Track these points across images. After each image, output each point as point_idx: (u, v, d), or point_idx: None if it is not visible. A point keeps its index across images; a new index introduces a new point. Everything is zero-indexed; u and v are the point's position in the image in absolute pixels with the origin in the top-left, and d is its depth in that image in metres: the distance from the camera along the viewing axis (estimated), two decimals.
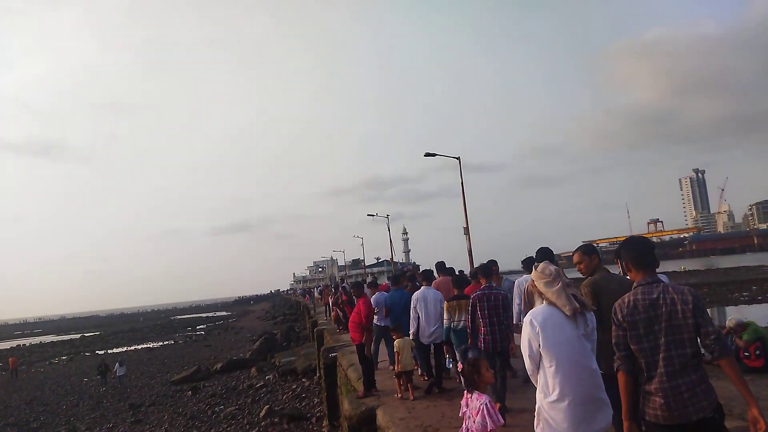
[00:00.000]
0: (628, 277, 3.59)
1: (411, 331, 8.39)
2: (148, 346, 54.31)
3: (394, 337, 8.49)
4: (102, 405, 25.13)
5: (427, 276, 9.11)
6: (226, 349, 42.43)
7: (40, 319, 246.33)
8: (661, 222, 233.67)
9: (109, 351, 53.37)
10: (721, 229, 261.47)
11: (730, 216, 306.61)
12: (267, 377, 24.98)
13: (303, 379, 22.44)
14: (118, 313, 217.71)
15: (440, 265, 10.12)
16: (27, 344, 75.18)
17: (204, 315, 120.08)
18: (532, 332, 3.51)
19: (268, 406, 18.48)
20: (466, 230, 23.68)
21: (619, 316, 3.22)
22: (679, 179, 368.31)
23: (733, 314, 18.91)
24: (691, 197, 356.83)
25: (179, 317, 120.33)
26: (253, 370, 27.24)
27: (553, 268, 3.67)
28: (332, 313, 21.09)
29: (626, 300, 3.22)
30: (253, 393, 22.26)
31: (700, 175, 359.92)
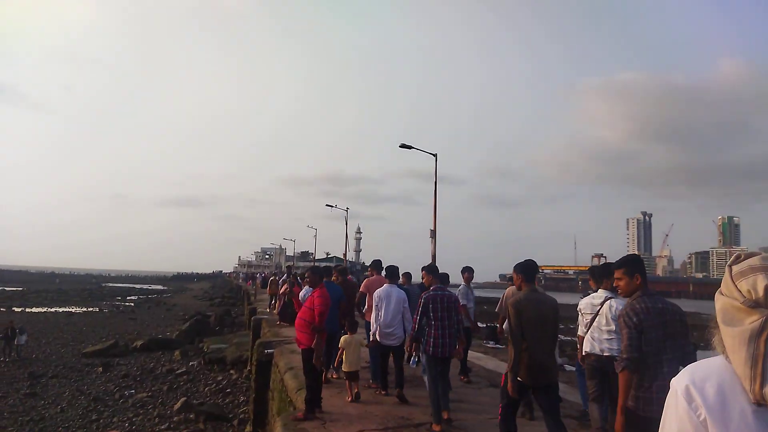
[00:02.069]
0: (544, 295, 4.87)
1: (371, 331, 7.82)
2: (70, 310, 50.43)
3: (348, 333, 7.60)
4: None
5: (392, 272, 8.18)
6: (153, 325, 39.31)
7: None
8: (605, 257, 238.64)
9: (27, 309, 49.42)
10: (660, 272, 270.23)
11: (670, 261, 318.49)
12: (191, 363, 22.44)
13: (231, 371, 20.07)
14: (49, 271, 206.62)
15: (376, 264, 9.35)
16: None
17: (138, 286, 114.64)
18: (688, 417, 1.28)
19: (185, 398, 16.11)
20: (433, 233, 21.83)
21: (635, 320, 3.46)
22: (627, 219, 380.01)
23: None
24: (635, 238, 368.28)
25: (110, 285, 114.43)
26: (177, 353, 24.58)
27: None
28: (277, 304, 18.84)
29: (639, 306, 3.54)
30: (171, 379, 19.74)
31: (647, 218, 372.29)
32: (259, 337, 18.36)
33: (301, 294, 9.88)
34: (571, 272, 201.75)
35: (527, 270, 4.96)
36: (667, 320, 3.50)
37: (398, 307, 7.64)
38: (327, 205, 49.66)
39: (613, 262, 5.50)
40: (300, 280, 18.10)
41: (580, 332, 6.26)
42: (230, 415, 14.79)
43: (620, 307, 4.69)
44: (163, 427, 14.14)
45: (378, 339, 7.61)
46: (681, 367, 3.22)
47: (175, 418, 14.64)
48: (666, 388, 3.01)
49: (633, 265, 3.85)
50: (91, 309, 52.43)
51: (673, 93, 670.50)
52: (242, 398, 16.37)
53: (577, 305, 6.20)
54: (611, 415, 3.99)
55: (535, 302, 4.72)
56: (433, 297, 6.31)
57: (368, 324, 8.54)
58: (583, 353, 5.70)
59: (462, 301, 9.10)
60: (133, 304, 60.68)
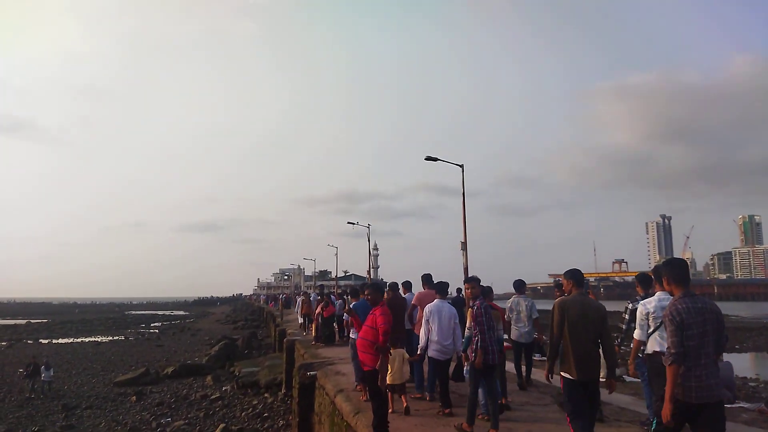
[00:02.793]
0: (592, 300, 5.48)
1: (420, 345, 7.74)
2: (96, 339, 50.54)
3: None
4: (32, 402, 22.03)
5: (442, 288, 8.28)
6: (181, 351, 39.21)
7: None
8: (626, 263, 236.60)
9: (54, 341, 49.62)
10: None
11: (692, 264, 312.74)
12: (224, 388, 22.21)
13: (266, 395, 19.77)
14: (71, 302, 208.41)
15: (428, 278, 9.54)
16: None
17: (160, 312, 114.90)
18: None
19: (223, 424, 15.82)
20: (464, 245, 21.51)
21: (678, 319, 4.00)
22: (646, 223, 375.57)
23: None
24: (656, 241, 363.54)
25: (133, 312, 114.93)
26: (209, 378, 24.40)
27: None
28: (313, 324, 18.47)
29: (681, 306, 4.07)
30: (206, 405, 19.50)
31: (666, 220, 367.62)
32: (293, 359, 18.09)
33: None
34: (592, 279, 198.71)
35: (576, 275, 5.46)
36: (707, 318, 4.02)
37: (450, 322, 7.59)
38: (349, 223, 49.71)
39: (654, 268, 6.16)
40: (332, 299, 17.87)
41: (639, 336, 6.41)
42: None
43: None
44: None
45: (429, 354, 7.60)
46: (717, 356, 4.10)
47: None
48: (703, 378, 3.92)
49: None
50: (116, 338, 52.53)
51: (686, 92, 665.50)
52: (281, 422, 16.04)
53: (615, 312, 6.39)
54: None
55: (580, 303, 5.22)
56: (485, 307, 6.69)
57: (417, 337, 8.44)
58: (651, 352, 5.96)
59: (534, 315, 9.30)
60: (158, 331, 60.74)
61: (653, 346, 5.90)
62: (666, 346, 5.56)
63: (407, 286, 10.66)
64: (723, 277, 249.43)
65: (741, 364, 25.40)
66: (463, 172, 22.31)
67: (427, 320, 7.63)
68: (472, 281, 7.23)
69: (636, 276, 7.79)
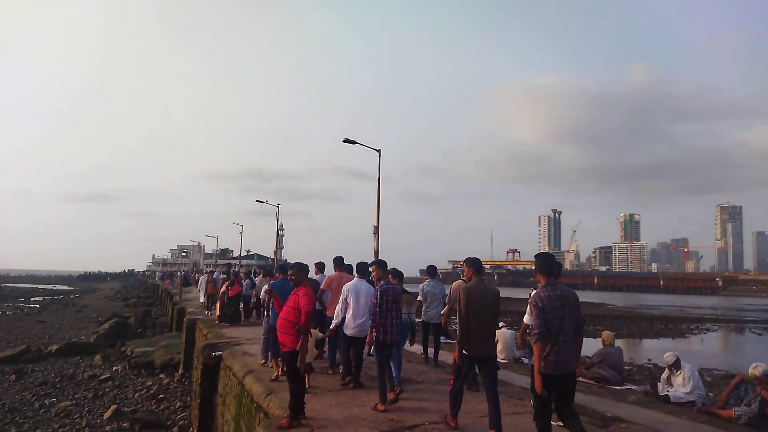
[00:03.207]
0: (489, 285, 6.16)
1: (334, 322, 7.99)
2: None
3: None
4: None
5: (362, 268, 8.28)
6: (65, 328, 36.70)
7: None
8: (519, 252, 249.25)
9: None
10: (567, 266, 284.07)
11: (577, 255, 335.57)
12: (115, 368, 21.07)
13: (161, 375, 19.00)
14: None
15: (339, 261, 9.64)
16: None
17: (41, 286, 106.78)
18: None
19: (115, 406, 15.02)
20: (376, 229, 21.67)
21: (540, 305, 4.75)
22: (539, 216, 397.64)
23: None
24: (546, 233, 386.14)
25: (10, 285, 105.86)
26: (98, 357, 23.03)
27: None
28: (217, 304, 17.79)
29: (543, 294, 4.81)
30: (95, 386, 18.41)
31: (557, 215, 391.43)
32: (193, 338, 17.47)
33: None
34: (487, 267, 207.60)
35: (476, 264, 6.29)
36: (565, 303, 4.77)
37: (367, 300, 7.69)
38: (257, 201, 47.53)
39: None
40: (238, 279, 17.38)
41: (527, 320, 7.26)
42: (168, 422, 13.93)
43: None
44: None
45: (344, 332, 7.74)
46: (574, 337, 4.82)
47: (107, 428, 13.61)
48: (561, 353, 4.74)
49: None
50: None
51: (584, 96, 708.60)
52: (178, 403, 15.50)
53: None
54: None
55: (482, 290, 5.86)
56: (385, 290, 6.98)
57: (329, 319, 8.59)
58: None
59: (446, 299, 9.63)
60: (39, 306, 56.44)
61: None
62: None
63: (320, 267, 10.66)
64: (603, 269, 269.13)
65: None
66: (380, 157, 22.47)
67: (345, 298, 7.78)
68: (375, 264, 7.60)
69: None
